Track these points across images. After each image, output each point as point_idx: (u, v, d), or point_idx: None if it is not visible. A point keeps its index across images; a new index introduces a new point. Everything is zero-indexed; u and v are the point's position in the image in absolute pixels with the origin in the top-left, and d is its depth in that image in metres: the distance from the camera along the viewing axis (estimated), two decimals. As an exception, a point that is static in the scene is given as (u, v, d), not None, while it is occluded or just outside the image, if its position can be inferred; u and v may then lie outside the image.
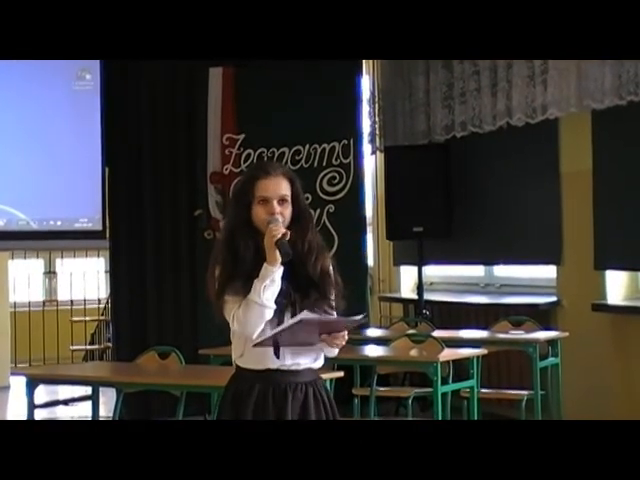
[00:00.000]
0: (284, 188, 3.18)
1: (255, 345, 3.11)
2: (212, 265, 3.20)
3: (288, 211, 3.18)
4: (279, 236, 3.09)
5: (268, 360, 3.15)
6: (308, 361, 3.21)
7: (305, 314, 3.04)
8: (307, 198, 3.37)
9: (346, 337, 3.16)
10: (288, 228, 3.15)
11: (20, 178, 7.19)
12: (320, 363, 3.26)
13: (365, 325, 7.17)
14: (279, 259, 3.09)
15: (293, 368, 3.18)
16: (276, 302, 3.11)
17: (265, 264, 3.09)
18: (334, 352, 3.23)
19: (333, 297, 3.20)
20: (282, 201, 3.17)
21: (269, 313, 3.10)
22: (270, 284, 3.09)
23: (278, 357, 3.14)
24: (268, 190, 3.16)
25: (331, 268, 3.23)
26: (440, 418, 5.30)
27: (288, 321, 3.10)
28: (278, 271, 3.10)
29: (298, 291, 3.16)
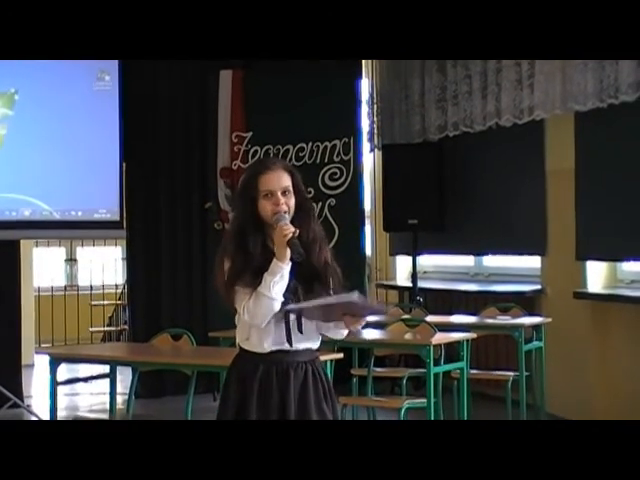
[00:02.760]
0: (285, 180, 3.13)
1: (283, 311, 3.05)
2: (220, 255, 3.15)
3: (292, 202, 3.13)
4: (290, 235, 3.03)
5: (271, 343, 3.12)
6: (308, 344, 3.19)
7: (354, 296, 2.97)
8: (310, 192, 3.36)
9: (363, 323, 3.12)
10: (292, 218, 3.11)
11: (44, 172, 7.16)
12: (317, 344, 3.23)
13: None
14: (288, 256, 3.04)
15: (294, 349, 3.15)
16: (283, 296, 3.06)
17: (275, 260, 3.05)
18: (343, 334, 3.18)
19: (334, 286, 3.15)
20: (285, 192, 3.12)
21: (277, 305, 3.07)
22: (279, 279, 3.04)
23: (291, 344, 3.11)
24: (271, 183, 3.11)
25: (331, 259, 3.18)
26: (432, 397, 5.28)
27: (337, 297, 3.05)
28: (287, 267, 3.05)
29: (302, 282, 3.12)
